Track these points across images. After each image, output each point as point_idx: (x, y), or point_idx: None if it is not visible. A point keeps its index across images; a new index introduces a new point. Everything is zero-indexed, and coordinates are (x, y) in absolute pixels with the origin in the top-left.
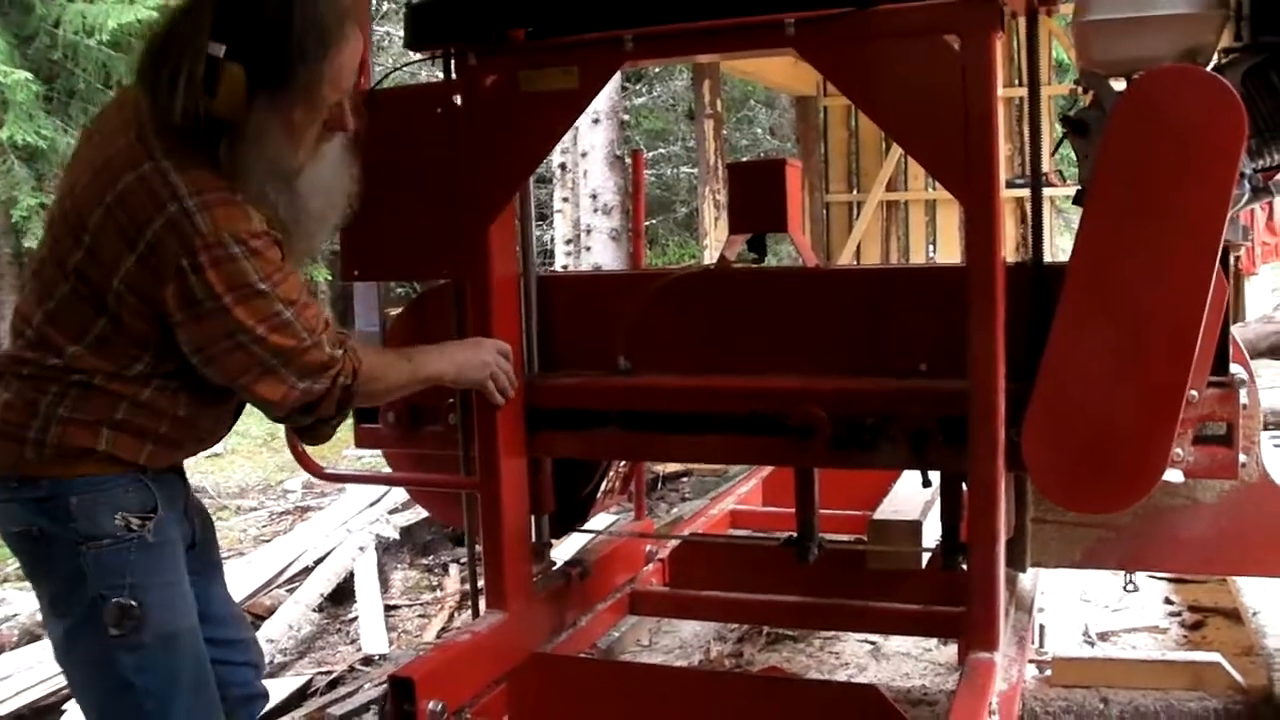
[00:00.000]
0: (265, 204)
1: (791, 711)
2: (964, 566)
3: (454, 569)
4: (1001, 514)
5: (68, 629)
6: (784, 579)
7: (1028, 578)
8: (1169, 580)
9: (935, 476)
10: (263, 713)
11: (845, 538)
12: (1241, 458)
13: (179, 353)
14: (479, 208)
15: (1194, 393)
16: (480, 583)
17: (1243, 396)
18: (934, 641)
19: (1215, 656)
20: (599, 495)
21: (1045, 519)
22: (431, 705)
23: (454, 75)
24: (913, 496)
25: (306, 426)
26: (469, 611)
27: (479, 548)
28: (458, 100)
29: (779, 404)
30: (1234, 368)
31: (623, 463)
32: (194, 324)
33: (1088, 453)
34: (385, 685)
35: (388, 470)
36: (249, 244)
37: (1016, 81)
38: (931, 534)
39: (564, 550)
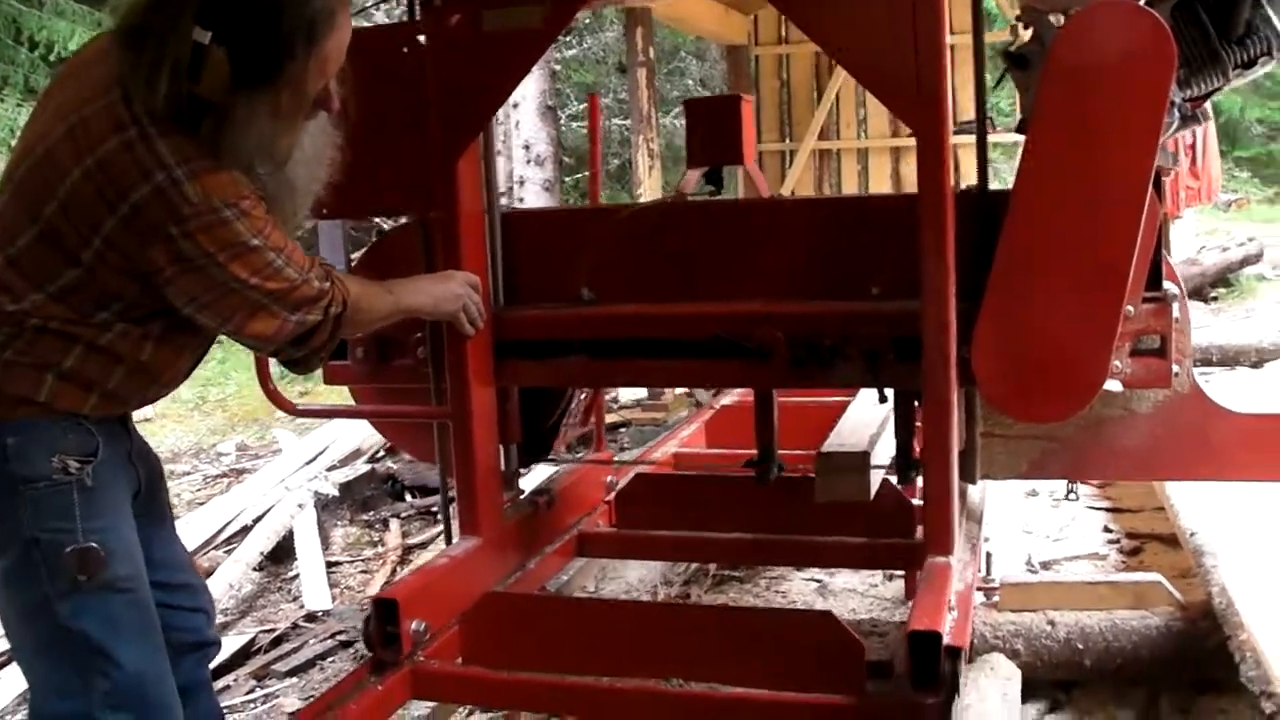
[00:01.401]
0: (252, 179)
1: (747, 641)
2: (918, 481)
3: (395, 524)
4: (955, 425)
5: (4, 571)
6: (734, 517)
7: (976, 491)
8: (1106, 510)
9: (889, 398)
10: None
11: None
12: (1174, 369)
13: (153, 303)
14: (446, 144)
15: (1130, 308)
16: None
17: (1175, 311)
18: (879, 578)
19: (1156, 576)
20: (562, 427)
21: (993, 433)
22: (415, 626)
23: (418, 15)
24: (859, 429)
25: (298, 358)
26: (409, 567)
27: (451, 480)
28: (422, 40)
29: (739, 327)
30: (1166, 284)
31: (583, 395)
32: (186, 277)
33: (1033, 365)
34: (326, 639)
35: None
36: (239, 205)
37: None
38: (879, 466)
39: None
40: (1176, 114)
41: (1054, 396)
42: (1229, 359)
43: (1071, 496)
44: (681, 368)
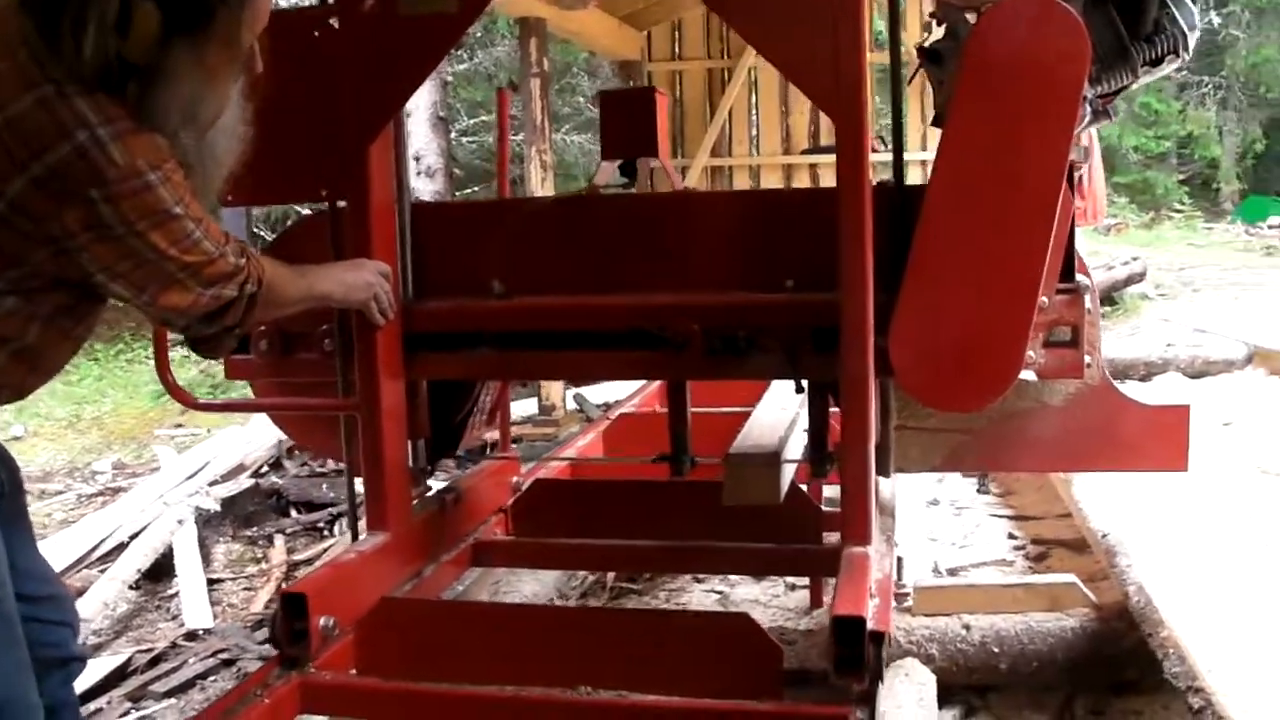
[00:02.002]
0: (176, 147)
1: (659, 645)
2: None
3: (280, 540)
4: (872, 414)
5: None
6: (636, 524)
7: (887, 486)
8: (1010, 518)
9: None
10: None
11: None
12: (1086, 359)
13: (55, 270)
14: (358, 131)
15: (1044, 299)
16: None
17: (1087, 302)
18: (781, 588)
19: (1070, 578)
20: (469, 425)
21: (907, 426)
22: (323, 622)
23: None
24: (768, 430)
25: (208, 337)
26: (293, 583)
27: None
28: (335, 24)
29: (654, 319)
30: (1078, 276)
31: (489, 393)
32: (102, 245)
33: (950, 355)
34: (207, 657)
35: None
36: (163, 169)
37: None
38: (788, 469)
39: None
40: (1088, 108)
41: (971, 386)
42: (1118, 374)
43: (981, 489)
44: (594, 359)
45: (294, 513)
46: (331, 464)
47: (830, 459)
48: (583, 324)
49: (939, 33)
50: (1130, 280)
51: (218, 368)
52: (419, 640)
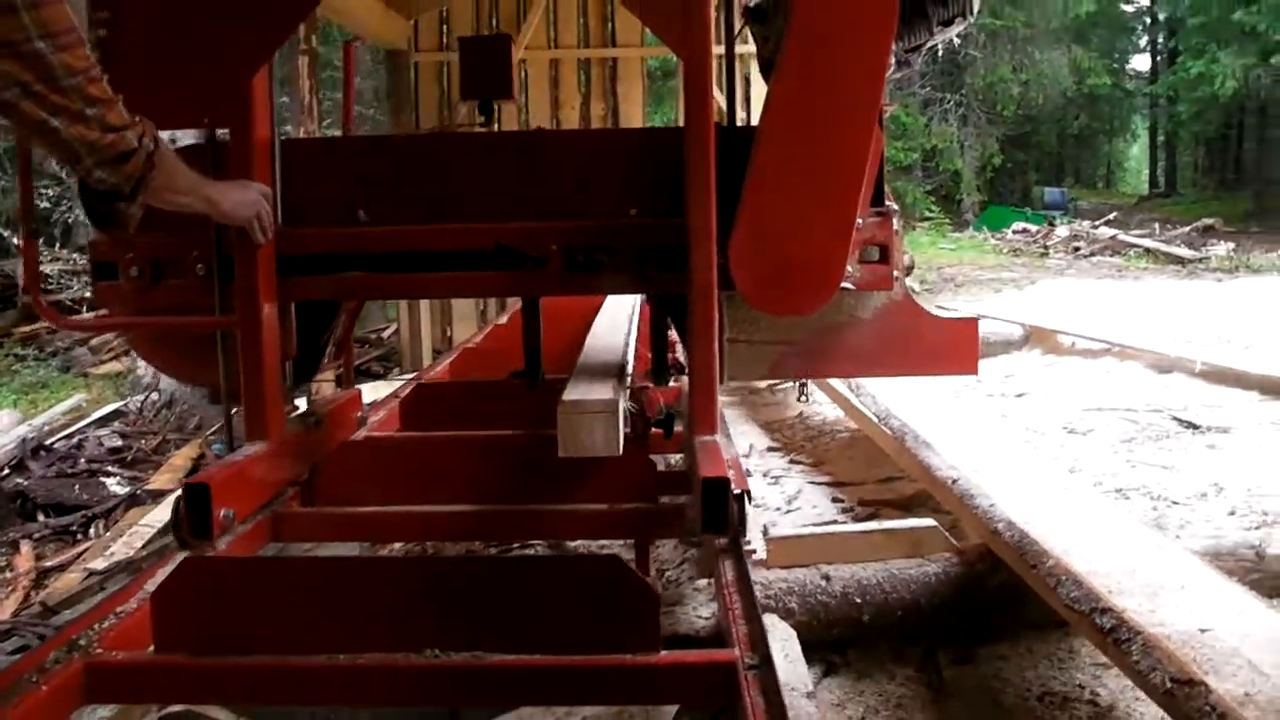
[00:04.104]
0: None
1: (521, 595)
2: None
3: (26, 546)
4: (716, 317)
5: None
6: (460, 485)
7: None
8: (829, 484)
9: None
10: None
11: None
12: (894, 272)
13: None
14: (244, 58)
15: (860, 220)
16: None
17: (895, 223)
18: (617, 550)
19: (930, 521)
20: (326, 354)
21: (738, 339)
22: (224, 513)
23: None
24: (604, 362)
25: (111, 210)
26: (45, 590)
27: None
28: None
29: (519, 239)
30: (887, 202)
31: (338, 332)
32: (16, 61)
33: (782, 268)
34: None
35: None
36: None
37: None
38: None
39: None
40: (894, 60)
41: (801, 293)
42: None
43: (802, 399)
44: (460, 279)
45: (41, 516)
46: (83, 463)
47: (669, 371)
48: (449, 245)
49: None
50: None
51: None
52: (230, 606)
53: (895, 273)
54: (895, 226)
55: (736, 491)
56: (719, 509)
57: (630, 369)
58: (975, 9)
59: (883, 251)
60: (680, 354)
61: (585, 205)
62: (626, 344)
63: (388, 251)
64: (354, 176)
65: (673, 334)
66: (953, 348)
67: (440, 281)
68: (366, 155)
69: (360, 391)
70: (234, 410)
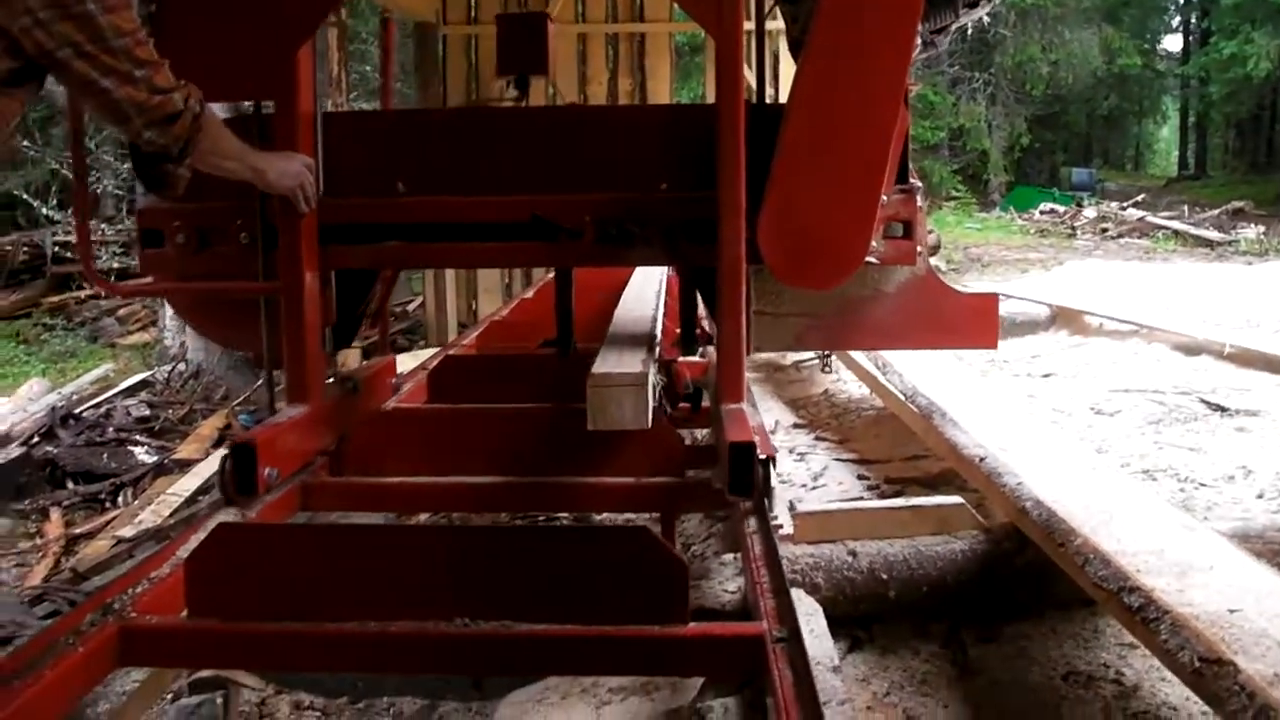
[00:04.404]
0: None
1: (550, 565)
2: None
3: (56, 513)
4: (744, 290)
5: None
6: (487, 457)
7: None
8: (855, 461)
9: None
10: None
11: None
12: (918, 248)
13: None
14: (289, 33)
15: (885, 197)
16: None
17: (918, 200)
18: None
19: (957, 499)
20: (361, 324)
21: (764, 312)
22: (267, 471)
23: None
24: (629, 350)
25: (160, 173)
26: (75, 557)
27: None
28: None
29: (553, 211)
30: (911, 180)
31: (375, 299)
32: (70, 21)
33: (808, 242)
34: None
35: None
36: None
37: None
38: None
39: None
40: (920, 40)
41: (826, 266)
42: None
43: (826, 370)
44: (496, 250)
45: (70, 484)
46: (111, 432)
47: (697, 342)
48: (485, 217)
49: None
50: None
51: None
52: (261, 573)
53: (918, 248)
54: (919, 203)
55: (762, 457)
56: (745, 472)
57: (659, 340)
58: None
59: (906, 227)
60: (708, 325)
61: (618, 179)
62: (655, 316)
63: (425, 222)
64: (393, 149)
65: (700, 307)
66: (973, 322)
67: (476, 252)
68: (405, 129)
69: (395, 359)
70: (275, 374)
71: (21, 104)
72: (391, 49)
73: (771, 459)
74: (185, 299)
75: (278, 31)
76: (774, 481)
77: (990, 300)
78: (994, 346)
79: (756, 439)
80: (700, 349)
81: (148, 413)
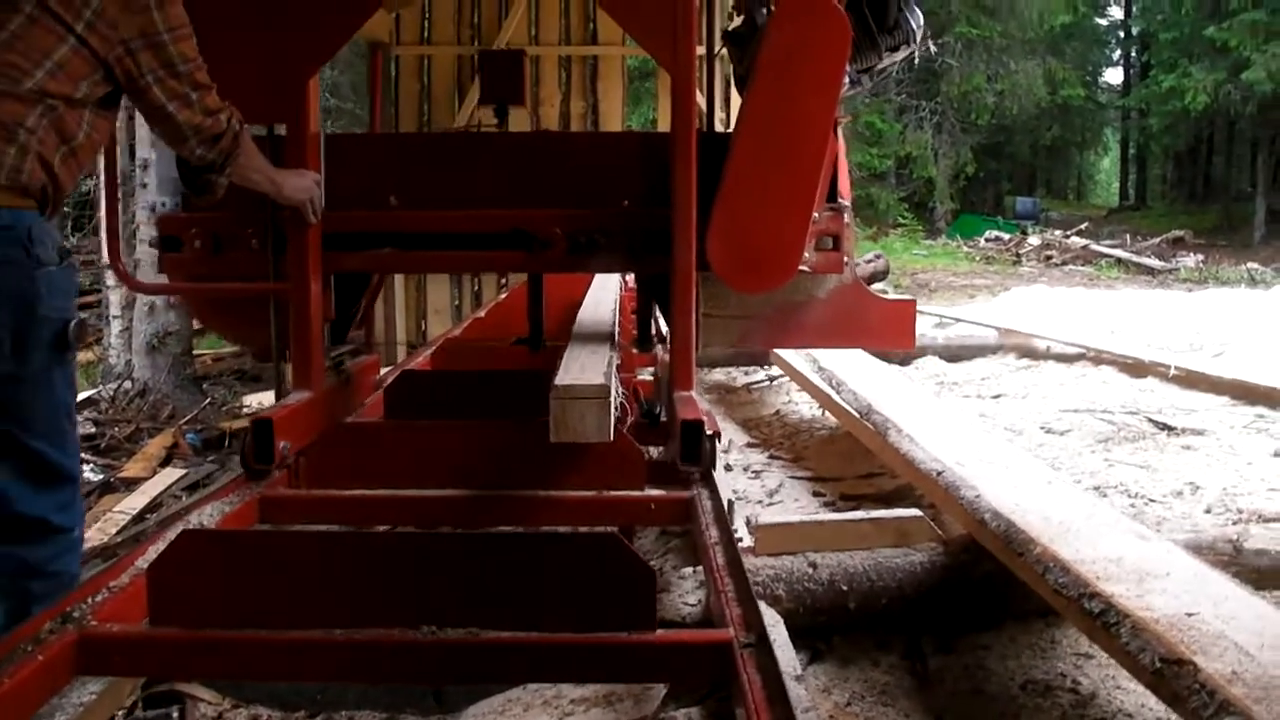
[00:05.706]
0: None
1: (517, 571)
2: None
3: None
4: (694, 289)
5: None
6: (447, 471)
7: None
8: (810, 479)
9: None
10: None
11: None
12: (845, 259)
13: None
14: (302, 63)
15: (817, 214)
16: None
17: (846, 218)
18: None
19: (916, 512)
20: (352, 323)
21: (711, 314)
22: (283, 445)
23: None
24: (591, 363)
25: (210, 161)
26: None
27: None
28: None
29: (529, 224)
30: (840, 200)
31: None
32: (150, 51)
33: (751, 252)
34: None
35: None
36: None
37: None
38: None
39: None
40: (848, 79)
41: (767, 274)
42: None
43: (766, 366)
44: (478, 257)
45: None
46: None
47: (650, 342)
48: (468, 228)
49: (739, 21)
50: (874, 277)
51: None
52: (225, 580)
53: (845, 259)
54: (846, 220)
55: (709, 433)
56: (695, 445)
57: (617, 337)
58: (918, 37)
59: (836, 241)
60: (663, 325)
61: (586, 197)
62: (613, 318)
63: (414, 232)
64: (386, 168)
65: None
66: (893, 325)
67: (460, 259)
68: (397, 150)
69: (379, 356)
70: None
71: (111, 124)
72: (379, 77)
73: (717, 434)
74: (200, 298)
75: (291, 62)
76: (719, 458)
77: (908, 305)
78: (911, 348)
79: (705, 419)
80: (655, 346)
81: (93, 430)
